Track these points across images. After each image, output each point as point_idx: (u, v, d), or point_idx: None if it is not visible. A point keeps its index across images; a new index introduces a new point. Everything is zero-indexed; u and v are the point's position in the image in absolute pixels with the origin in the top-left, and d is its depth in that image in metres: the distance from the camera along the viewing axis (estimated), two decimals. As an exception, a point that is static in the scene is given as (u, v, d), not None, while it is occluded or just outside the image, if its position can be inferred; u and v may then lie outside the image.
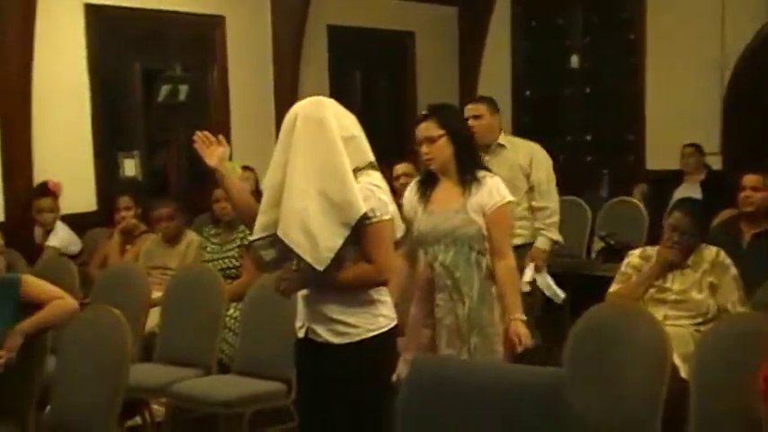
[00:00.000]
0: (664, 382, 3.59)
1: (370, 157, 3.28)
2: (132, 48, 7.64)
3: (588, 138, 9.95)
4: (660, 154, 8.97)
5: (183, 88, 7.87)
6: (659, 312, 4.20)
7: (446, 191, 3.96)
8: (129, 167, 7.54)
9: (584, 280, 6.53)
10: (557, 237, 5.67)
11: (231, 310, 5.39)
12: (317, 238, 3.08)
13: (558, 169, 5.81)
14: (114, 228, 6.48)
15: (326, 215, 3.09)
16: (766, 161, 5.99)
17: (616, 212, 7.85)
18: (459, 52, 10.41)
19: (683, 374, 3.90)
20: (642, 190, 8.43)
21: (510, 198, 3.95)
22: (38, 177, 6.70)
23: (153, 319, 5.29)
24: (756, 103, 8.08)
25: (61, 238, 6.40)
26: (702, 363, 3.68)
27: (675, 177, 8.10)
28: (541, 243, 5.65)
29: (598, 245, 7.35)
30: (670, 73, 9.06)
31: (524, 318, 3.88)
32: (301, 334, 3.33)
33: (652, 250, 4.55)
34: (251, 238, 3.31)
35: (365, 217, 3.12)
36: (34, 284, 4.16)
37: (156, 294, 5.41)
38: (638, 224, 7.44)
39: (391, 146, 8.66)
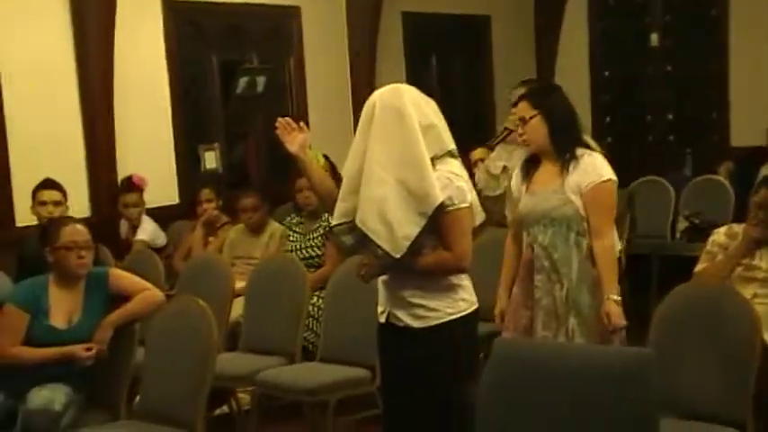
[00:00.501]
0: (754, 361, 3.52)
1: (450, 145, 3.27)
2: (210, 41, 7.71)
3: (670, 117, 9.74)
4: (746, 131, 8.78)
5: (261, 80, 7.94)
6: (748, 291, 4.10)
7: (547, 171, 3.92)
8: (210, 160, 7.62)
9: (669, 260, 6.43)
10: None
11: (314, 299, 5.43)
12: (393, 226, 3.09)
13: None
14: (197, 220, 6.57)
15: (404, 204, 3.10)
16: None
17: (701, 191, 7.73)
18: (535, 34, 10.30)
19: (775, 353, 3.82)
20: (728, 168, 8.25)
21: (609, 176, 3.83)
22: (120, 173, 6.78)
23: (237, 309, 5.35)
24: None
25: (149, 231, 6.48)
26: (794, 341, 3.60)
27: (762, 154, 7.92)
28: None
29: (682, 224, 7.25)
30: (755, 49, 8.86)
31: (618, 298, 3.78)
32: (383, 319, 3.35)
33: (738, 227, 4.44)
34: (332, 224, 3.33)
35: (443, 205, 3.13)
36: (122, 277, 4.25)
37: (240, 284, 5.47)
38: (724, 202, 7.32)
39: (468, 131, 8.64)
